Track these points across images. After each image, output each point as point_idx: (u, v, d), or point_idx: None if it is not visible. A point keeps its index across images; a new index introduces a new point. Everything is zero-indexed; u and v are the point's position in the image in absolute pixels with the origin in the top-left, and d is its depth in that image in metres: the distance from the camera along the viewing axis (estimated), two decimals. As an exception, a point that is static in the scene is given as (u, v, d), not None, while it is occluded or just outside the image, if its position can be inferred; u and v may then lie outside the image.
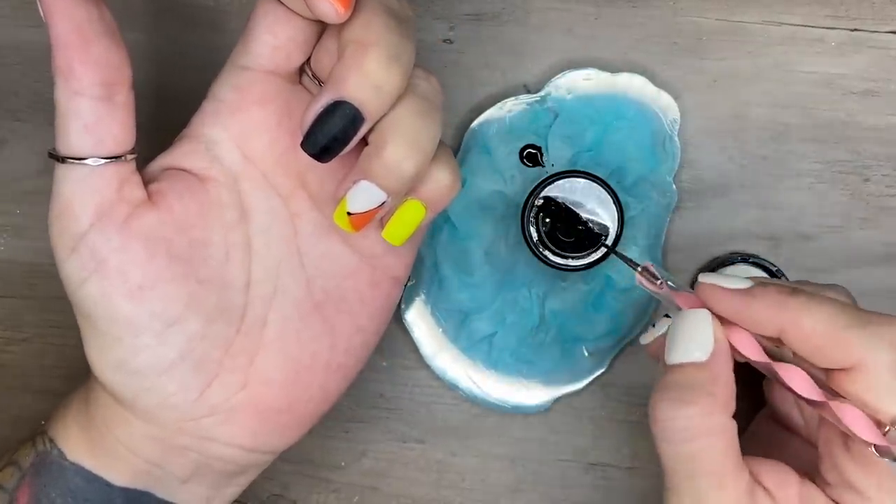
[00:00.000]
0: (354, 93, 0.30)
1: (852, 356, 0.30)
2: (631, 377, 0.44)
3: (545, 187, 0.41)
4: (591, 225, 0.41)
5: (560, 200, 0.42)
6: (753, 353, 0.32)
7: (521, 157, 0.44)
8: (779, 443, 0.36)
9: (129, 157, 0.33)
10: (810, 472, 0.33)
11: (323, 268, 0.36)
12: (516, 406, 0.44)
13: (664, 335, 0.33)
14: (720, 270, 0.42)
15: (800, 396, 0.31)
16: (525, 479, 0.45)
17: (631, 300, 0.44)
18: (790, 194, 0.44)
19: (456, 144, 0.44)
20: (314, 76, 0.35)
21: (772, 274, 0.42)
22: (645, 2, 0.44)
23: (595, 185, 0.41)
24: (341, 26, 0.31)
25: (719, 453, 0.31)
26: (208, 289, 0.34)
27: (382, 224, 0.34)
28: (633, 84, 0.43)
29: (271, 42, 0.33)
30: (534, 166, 0.44)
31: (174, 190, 0.34)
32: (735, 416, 0.32)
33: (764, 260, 0.42)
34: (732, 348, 0.32)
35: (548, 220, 0.42)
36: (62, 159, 0.32)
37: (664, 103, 0.43)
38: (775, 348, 0.33)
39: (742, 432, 0.38)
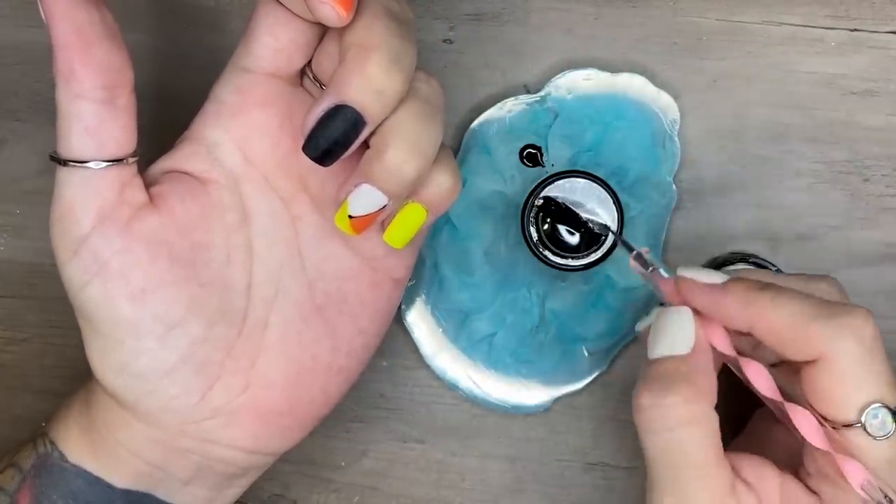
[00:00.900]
0: (356, 97, 0.30)
1: (818, 348, 0.31)
2: (631, 377, 0.44)
3: (545, 187, 0.41)
4: (591, 225, 0.42)
5: (560, 200, 0.42)
6: (722, 346, 0.33)
7: (521, 157, 0.44)
8: (771, 439, 0.36)
9: (131, 159, 0.33)
10: (795, 465, 0.33)
11: (324, 270, 0.36)
12: (516, 406, 0.44)
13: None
14: (722, 270, 0.42)
15: (760, 394, 0.32)
16: (525, 479, 0.45)
17: (631, 300, 0.44)
18: (790, 194, 0.44)
19: (456, 144, 0.44)
20: (315, 79, 0.35)
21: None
22: (645, 2, 0.44)
23: (595, 185, 0.41)
24: (343, 30, 0.31)
25: (701, 443, 0.31)
26: (210, 291, 0.34)
27: (383, 227, 0.34)
28: (633, 84, 0.43)
29: (272, 44, 0.33)
30: (534, 166, 0.44)
31: (176, 192, 0.34)
32: (726, 414, 0.32)
33: (764, 260, 0.42)
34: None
35: (548, 220, 0.42)
36: (64, 162, 0.32)
37: (664, 103, 0.43)
38: (750, 349, 0.33)
39: (739, 433, 0.38)
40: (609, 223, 0.41)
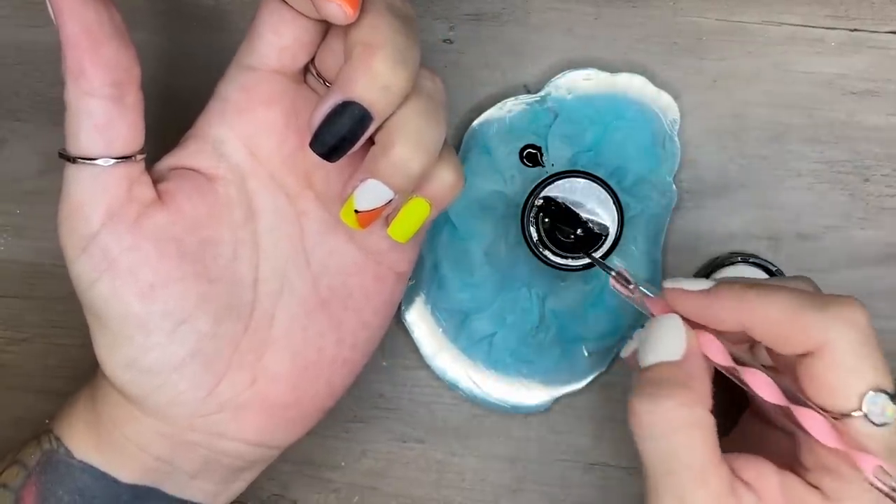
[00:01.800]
0: (363, 93, 0.30)
1: (814, 338, 0.31)
2: (631, 377, 0.44)
3: (545, 187, 0.41)
4: (591, 225, 0.42)
5: (560, 200, 0.42)
6: (720, 357, 0.33)
7: (521, 157, 0.44)
8: (763, 439, 0.36)
9: (139, 157, 0.33)
10: (791, 461, 0.33)
11: (329, 265, 0.36)
12: (516, 406, 0.44)
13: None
14: (719, 271, 0.42)
15: (764, 401, 0.31)
16: (525, 479, 0.45)
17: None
18: (790, 194, 0.44)
19: (456, 144, 0.44)
20: (319, 76, 0.35)
21: (771, 274, 0.42)
22: (645, 2, 0.44)
23: (595, 185, 0.41)
24: (348, 27, 0.31)
25: (699, 447, 0.31)
26: (217, 287, 0.34)
27: (388, 222, 0.34)
28: (632, 84, 0.43)
29: (277, 42, 0.33)
30: (534, 166, 0.44)
31: (183, 189, 0.34)
32: (719, 416, 0.32)
33: (764, 260, 0.42)
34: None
35: (547, 220, 0.42)
36: (73, 159, 0.32)
37: (664, 103, 0.43)
38: (746, 356, 0.33)
39: (729, 433, 0.38)
40: (609, 223, 0.41)
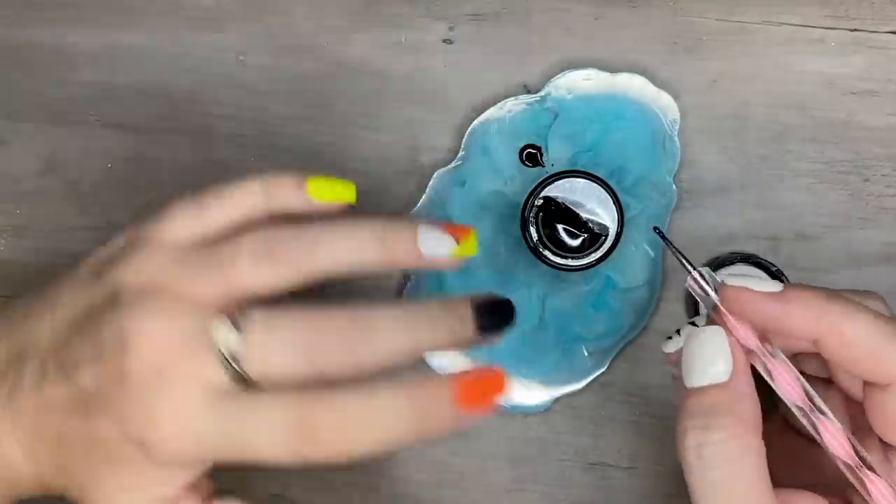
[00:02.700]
0: None
1: (894, 371, 0.29)
2: (631, 377, 0.44)
3: (545, 187, 0.41)
4: (591, 225, 0.42)
5: (560, 200, 0.42)
6: (749, 342, 0.31)
7: (521, 158, 0.44)
8: (796, 453, 0.34)
9: None
10: (836, 484, 0.31)
11: None
12: (516, 406, 0.44)
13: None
14: (718, 271, 0.42)
15: (785, 397, 0.30)
16: (525, 479, 0.45)
17: (631, 300, 0.44)
18: (790, 194, 0.44)
19: (456, 145, 0.44)
20: None
21: (772, 274, 0.42)
22: (645, 2, 0.44)
23: (595, 185, 0.41)
24: None
25: (751, 477, 0.29)
26: None
27: None
28: (632, 84, 0.43)
29: None
30: (534, 166, 0.44)
31: None
32: None
33: (764, 260, 0.42)
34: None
35: (548, 220, 0.42)
36: None
37: (664, 103, 0.43)
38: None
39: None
40: (609, 223, 0.41)
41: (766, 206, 0.44)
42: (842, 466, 0.30)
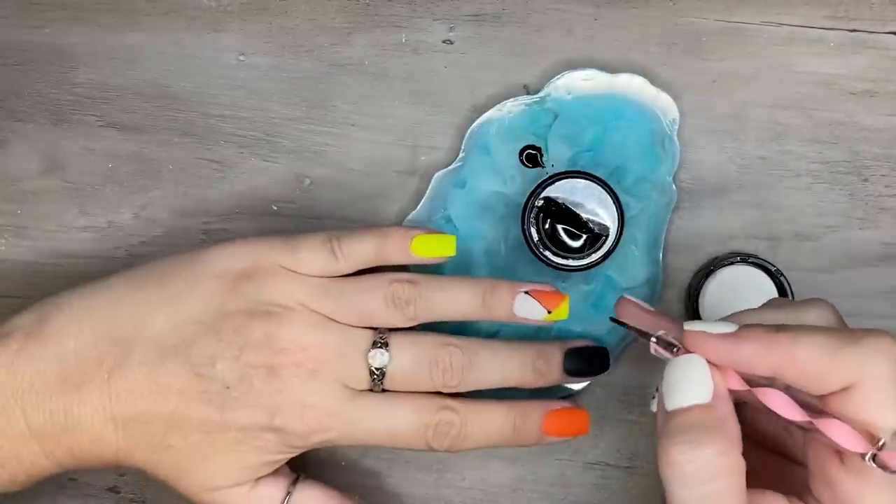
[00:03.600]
0: None
1: (846, 376, 0.30)
2: (631, 377, 0.45)
3: (545, 188, 0.41)
4: (591, 225, 0.42)
5: (560, 201, 0.42)
6: (734, 384, 0.32)
7: (521, 158, 0.44)
8: (763, 467, 0.35)
9: None
10: (798, 491, 0.33)
11: None
12: (516, 406, 0.44)
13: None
14: (717, 271, 0.42)
15: (786, 420, 0.31)
16: (525, 478, 0.45)
17: (631, 300, 0.43)
18: (789, 194, 0.44)
19: (456, 145, 0.44)
20: None
21: (771, 274, 0.42)
22: (645, 2, 0.44)
23: (595, 185, 0.41)
24: None
25: (735, 492, 0.30)
26: None
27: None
28: (632, 84, 0.43)
29: None
30: (534, 167, 0.44)
31: None
32: None
33: (763, 260, 0.42)
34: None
35: (548, 220, 0.42)
36: None
37: (663, 104, 0.43)
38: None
39: None
40: (609, 223, 0.41)
41: (765, 207, 0.44)
42: (803, 429, 0.31)
